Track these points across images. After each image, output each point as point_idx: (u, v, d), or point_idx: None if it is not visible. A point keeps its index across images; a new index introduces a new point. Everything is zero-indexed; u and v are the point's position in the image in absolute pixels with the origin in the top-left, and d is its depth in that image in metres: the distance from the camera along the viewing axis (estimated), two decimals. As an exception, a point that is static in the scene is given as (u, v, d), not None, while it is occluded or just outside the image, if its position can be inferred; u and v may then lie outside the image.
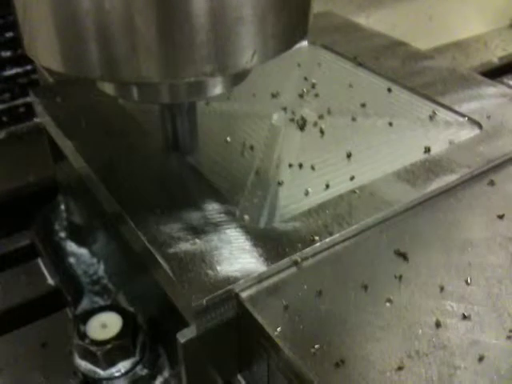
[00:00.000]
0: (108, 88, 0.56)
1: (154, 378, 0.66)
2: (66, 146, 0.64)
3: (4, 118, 0.99)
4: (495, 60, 1.38)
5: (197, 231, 0.50)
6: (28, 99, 0.96)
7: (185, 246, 0.48)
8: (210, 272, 0.46)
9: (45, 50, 0.48)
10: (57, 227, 0.85)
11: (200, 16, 0.44)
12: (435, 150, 0.60)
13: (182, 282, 0.45)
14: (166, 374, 0.67)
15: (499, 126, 0.63)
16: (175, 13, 0.43)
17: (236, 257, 0.47)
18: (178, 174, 0.58)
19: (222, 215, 0.52)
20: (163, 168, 0.59)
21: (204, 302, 0.43)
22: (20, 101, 0.99)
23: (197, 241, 0.49)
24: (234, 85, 0.56)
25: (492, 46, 1.43)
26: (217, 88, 0.54)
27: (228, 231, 0.50)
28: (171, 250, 0.48)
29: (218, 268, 0.46)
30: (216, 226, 0.50)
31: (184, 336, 0.45)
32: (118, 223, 0.56)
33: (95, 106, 0.67)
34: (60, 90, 0.70)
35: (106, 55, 0.45)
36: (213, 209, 0.53)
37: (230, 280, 0.45)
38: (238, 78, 0.55)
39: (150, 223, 0.51)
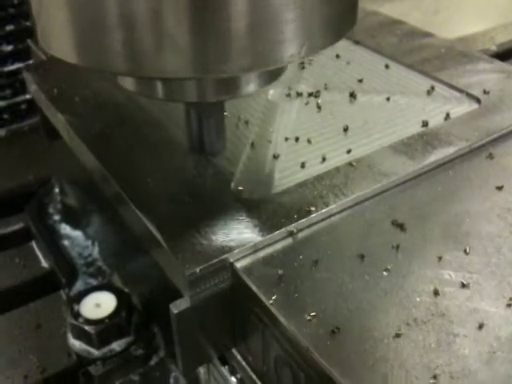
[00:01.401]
0: (129, 84, 0.51)
1: (149, 358, 0.66)
2: (59, 121, 0.63)
3: (5, 116, 0.98)
4: (493, 47, 1.37)
5: (191, 202, 0.49)
6: (29, 96, 0.94)
7: (179, 217, 0.48)
8: (204, 242, 0.45)
9: (61, 41, 0.43)
10: (51, 210, 0.85)
11: (238, 0, 0.38)
12: (433, 123, 0.59)
13: (175, 253, 0.44)
14: (161, 354, 0.66)
15: (498, 100, 0.63)
16: None
17: (231, 227, 0.46)
18: (172, 146, 0.57)
19: (217, 187, 0.51)
20: (157, 141, 0.58)
21: (197, 270, 0.43)
22: (21, 97, 0.98)
23: (191, 212, 0.48)
24: (269, 82, 0.50)
25: (498, 41, 1.41)
26: (250, 85, 0.49)
27: (223, 202, 0.49)
28: (165, 221, 0.47)
29: (213, 238, 0.45)
30: (211, 198, 0.50)
31: (177, 307, 0.44)
32: (112, 199, 0.55)
33: (88, 81, 0.66)
34: (53, 66, 0.69)
35: (130, 46, 0.40)
36: (208, 180, 0.52)
37: (224, 250, 0.44)
38: (274, 74, 0.50)
39: (144, 196, 0.51)
